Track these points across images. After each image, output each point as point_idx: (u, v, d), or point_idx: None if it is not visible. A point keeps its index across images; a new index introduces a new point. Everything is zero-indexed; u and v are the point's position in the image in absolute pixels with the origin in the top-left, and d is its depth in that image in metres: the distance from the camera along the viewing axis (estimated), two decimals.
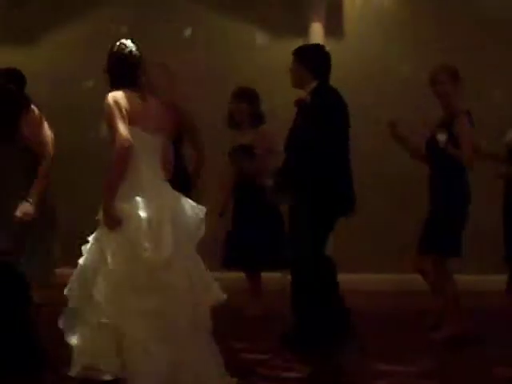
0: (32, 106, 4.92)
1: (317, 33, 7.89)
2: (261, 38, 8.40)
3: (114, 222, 4.24)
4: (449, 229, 5.95)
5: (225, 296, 4.42)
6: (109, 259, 4.21)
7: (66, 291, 4.31)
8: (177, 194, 4.46)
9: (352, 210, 5.63)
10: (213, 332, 4.43)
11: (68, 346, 4.28)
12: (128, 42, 4.50)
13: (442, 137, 5.85)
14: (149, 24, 8.18)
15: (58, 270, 5.24)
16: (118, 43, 4.49)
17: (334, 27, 8.25)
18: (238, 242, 6.58)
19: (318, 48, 5.84)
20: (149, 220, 4.23)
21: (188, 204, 4.44)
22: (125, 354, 4.14)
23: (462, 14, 8.31)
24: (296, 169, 5.48)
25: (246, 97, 6.57)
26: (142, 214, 4.23)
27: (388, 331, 6.31)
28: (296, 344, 5.47)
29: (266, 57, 8.28)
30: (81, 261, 4.35)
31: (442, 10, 8.31)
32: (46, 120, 5.01)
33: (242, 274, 6.80)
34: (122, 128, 4.26)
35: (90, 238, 4.39)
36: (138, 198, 4.27)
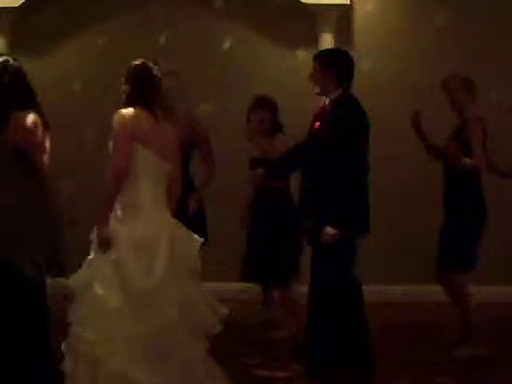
0: (30, 114, 4.62)
1: (327, 44, 7.82)
2: (271, 48, 8.34)
3: (105, 244, 4.14)
4: (461, 240, 5.92)
5: (226, 310, 4.32)
6: (96, 283, 4.10)
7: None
8: (175, 221, 4.36)
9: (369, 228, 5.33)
10: (224, 348, 4.42)
11: None
12: (146, 62, 4.45)
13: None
14: (161, 34, 8.17)
15: None
16: (135, 62, 4.45)
17: (345, 38, 8.19)
18: (250, 254, 6.41)
19: (343, 53, 5.53)
20: (142, 244, 4.13)
21: (185, 233, 4.36)
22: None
23: (473, 25, 8.27)
24: (319, 186, 5.19)
25: (269, 106, 6.35)
26: (135, 237, 4.14)
27: (408, 344, 6.28)
28: (312, 365, 5.28)
29: (276, 67, 8.23)
30: (73, 285, 4.25)
31: (454, 23, 8.23)
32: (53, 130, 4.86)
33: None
34: (122, 150, 4.19)
35: (85, 261, 4.30)
36: (134, 221, 4.19)
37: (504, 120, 7.68)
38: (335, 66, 5.28)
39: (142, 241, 4.14)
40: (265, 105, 6.37)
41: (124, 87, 4.43)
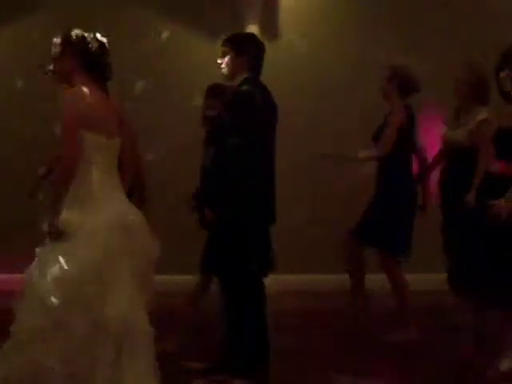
0: None
1: None
2: (196, 39, 8.32)
3: (57, 236, 3.91)
4: (398, 225, 6.05)
5: (150, 329, 3.99)
6: (34, 278, 3.91)
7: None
8: (131, 205, 4.12)
9: (274, 219, 5.18)
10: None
11: None
12: (97, 34, 4.15)
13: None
14: (86, 26, 8.08)
15: None
16: (82, 34, 4.12)
17: (270, 29, 8.23)
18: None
19: (253, 37, 5.40)
20: (89, 232, 3.90)
21: (140, 217, 4.09)
22: None
23: (398, 13, 8.41)
24: (220, 173, 5.09)
25: (220, 93, 5.88)
26: (82, 227, 3.91)
27: (338, 334, 6.31)
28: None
29: (201, 58, 8.17)
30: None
31: (378, 11, 8.38)
32: None
33: None
34: (72, 137, 3.90)
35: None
36: (85, 214, 3.93)
37: None
38: (249, 52, 5.16)
39: (87, 230, 3.92)
40: (213, 92, 5.96)
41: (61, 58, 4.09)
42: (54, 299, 3.82)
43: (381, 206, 6.14)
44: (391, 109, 6.19)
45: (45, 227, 4.01)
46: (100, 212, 3.96)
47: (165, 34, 8.36)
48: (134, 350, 3.89)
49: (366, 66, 8.00)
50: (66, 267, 3.85)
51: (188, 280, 5.90)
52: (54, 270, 3.87)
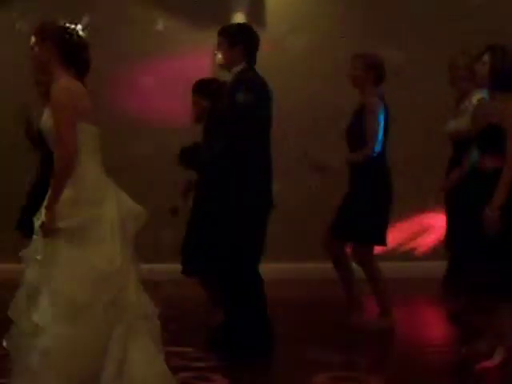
0: None
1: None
2: (183, 27, 8.26)
3: (51, 234, 3.82)
4: (372, 215, 5.99)
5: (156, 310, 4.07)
6: (56, 277, 3.81)
7: (9, 313, 3.92)
8: (120, 191, 4.05)
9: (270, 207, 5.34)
10: None
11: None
12: (78, 26, 4.06)
13: None
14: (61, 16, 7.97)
15: None
16: (66, 25, 4.02)
17: (257, 17, 8.19)
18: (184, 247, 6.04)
19: (247, 27, 5.55)
20: (110, 227, 3.87)
21: (130, 202, 4.03)
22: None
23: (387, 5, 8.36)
24: (218, 165, 5.26)
25: (204, 91, 5.91)
26: (102, 222, 3.87)
27: (319, 321, 6.41)
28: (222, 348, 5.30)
29: (189, 46, 8.16)
30: (26, 277, 3.89)
31: (368, 3, 8.36)
32: None
33: None
34: (70, 134, 3.81)
35: (28, 250, 3.96)
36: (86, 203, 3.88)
37: None
38: (243, 42, 5.31)
39: (106, 226, 3.88)
40: (201, 89, 5.99)
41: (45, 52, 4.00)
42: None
43: (356, 199, 6.07)
44: (363, 99, 6.10)
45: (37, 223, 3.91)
46: (109, 203, 3.92)
47: (149, 22, 8.25)
48: (142, 331, 3.94)
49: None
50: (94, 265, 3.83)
51: None
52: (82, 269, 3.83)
